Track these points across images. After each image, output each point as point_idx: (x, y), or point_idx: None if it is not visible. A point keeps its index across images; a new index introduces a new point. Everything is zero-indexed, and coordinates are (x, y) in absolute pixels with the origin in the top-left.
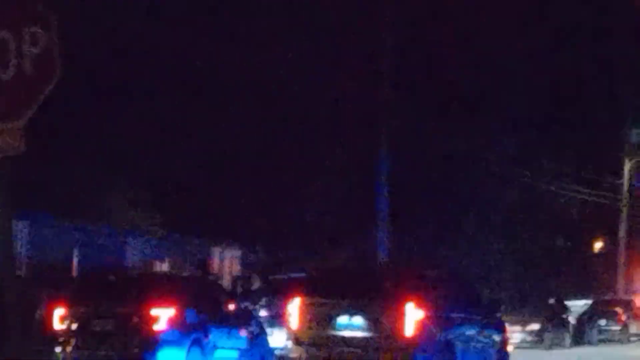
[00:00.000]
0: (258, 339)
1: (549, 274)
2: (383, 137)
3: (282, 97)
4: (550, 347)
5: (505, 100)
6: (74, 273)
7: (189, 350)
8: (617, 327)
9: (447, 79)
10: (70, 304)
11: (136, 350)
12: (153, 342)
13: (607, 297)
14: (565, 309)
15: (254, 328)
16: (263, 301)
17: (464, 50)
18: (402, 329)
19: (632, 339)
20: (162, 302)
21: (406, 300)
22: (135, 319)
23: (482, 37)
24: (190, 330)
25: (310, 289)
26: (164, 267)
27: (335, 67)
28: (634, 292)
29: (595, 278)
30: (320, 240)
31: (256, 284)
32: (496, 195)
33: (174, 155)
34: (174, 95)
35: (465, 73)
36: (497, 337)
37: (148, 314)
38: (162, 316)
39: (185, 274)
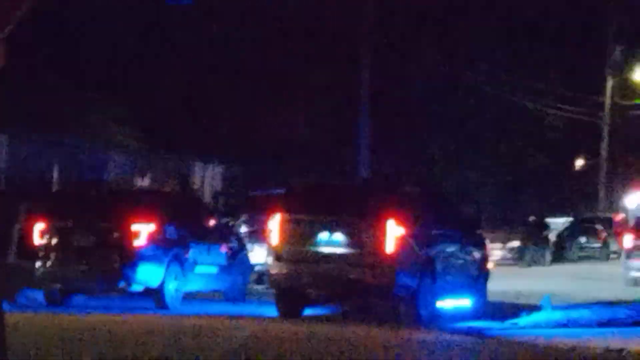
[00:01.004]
0: (238, 255)
1: (530, 192)
2: (365, 53)
3: (264, 14)
4: (530, 264)
5: (489, 16)
6: (54, 188)
7: (168, 266)
8: (597, 245)
9: None
10: (51, 219)
11: (116, 265)
12: (133, 257)
13: (587, 215)
14: (546, 226)
15: (234, 244)
16: (243, 217)
17: None
18: (382, 245)
19: (612, 256)
20: (143, 217)
21: (387, 217)
22: (116, 234)
23: None
24: (170, 246)
25: (292, 205)
26: (145, 182)
27: None
28: (614, 210)
29: (576, 196)
30: (303, 156)
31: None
32: (478, 114)
33: (157, 71)
34: (158, 13)
35: None
36: (477, 254)
37: (128, 229)
38: (142, 231)
39: (166, 189)
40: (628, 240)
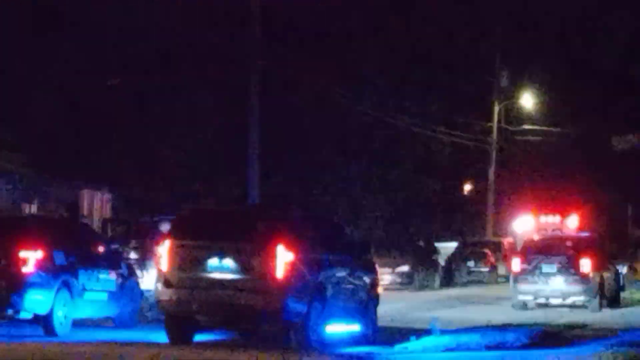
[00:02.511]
0: (127, 281)
1: (420, 216)
2: (254, 79)
3: (153, 35)
4: (419, 288)
5: (378, 42)
6: None
7: (57, 292)
8: (485, 269)
9: (317, 20)
10: None
11: (4, 292)
12: (20, 284)
13: (476, 239)
14: (435, 251)
15: (123, 270)
16: (133, 243)
17: None
18: (272, 271)
19: (500, 279)
20: (30, 244)
21: (277, 242)
22: (3, 262)
23: None
24: (58, 273)
25: (181, 231)
26: (32, 209)
27: (205, 6)
28: (502, 234)
29: (465, 220)
30: (192, 182)
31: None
32: (368, 138)
33: (42, 94)
34: (43, 37)
35: (334, 13)
36: (367, 279)
37: (16, 256)
38: (30, 258)
39: (53, 216)
40: (516, 264)
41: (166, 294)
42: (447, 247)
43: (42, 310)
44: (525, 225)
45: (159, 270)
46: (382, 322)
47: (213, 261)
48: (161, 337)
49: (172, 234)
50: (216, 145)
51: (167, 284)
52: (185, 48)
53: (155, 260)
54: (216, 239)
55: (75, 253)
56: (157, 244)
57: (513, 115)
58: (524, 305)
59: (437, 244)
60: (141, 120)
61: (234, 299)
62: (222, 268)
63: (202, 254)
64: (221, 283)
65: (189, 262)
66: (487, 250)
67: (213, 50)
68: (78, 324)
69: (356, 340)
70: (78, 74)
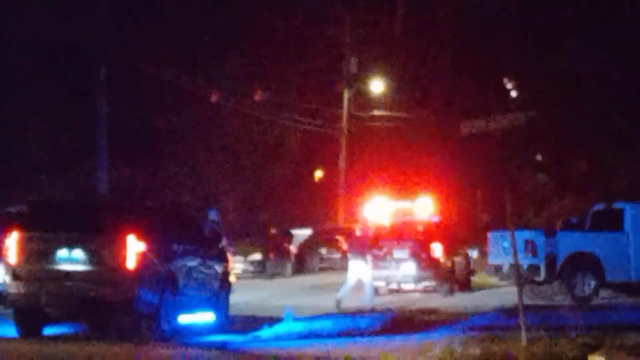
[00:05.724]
0: None
1: (272, 204)
2: (102, 70)
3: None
4: (272, 276)
5: (229, 28)
6: None
7: None
8: (337, 255)
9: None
10: None
11: None
12: None
13: (327, 226)
14: (290, 238)
15: None
16: None
17: None
18: (123, 261)
19: None
20: None
21: (127, 232)
22: None
23: None
24: None
25: (28, 222)
26: None
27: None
28: (354, 221)
29: (317, 207)
30: (37, 172)
31: None
32: (218, 126)
33: None
34: None
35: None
36: (219, 268)
37: None
38: None
39: None
40: None
41: (14, 287)
42: (300, 235)
43: None
44: (376, 211)
45: (7, 263)
46: (234, 310)
47: (62, 253)
48: (10, 331)
49: (20, 225)
50: (61, 136)
51: (15, 276)
52: (30, 37)
53: (2, 253)
54: (65, 230)
55: None
56: (4, 236)
57: (362, 101)
58: (376, 291)
59: (290, 231)
60: None
61: (84, 291)
62: (71, 260)
63: (51, 246)
64: (71, 275)
65: (37, 254)
66: (339, 237)
67: (59, 39)
68: None
69: (209, 329)
70: None
